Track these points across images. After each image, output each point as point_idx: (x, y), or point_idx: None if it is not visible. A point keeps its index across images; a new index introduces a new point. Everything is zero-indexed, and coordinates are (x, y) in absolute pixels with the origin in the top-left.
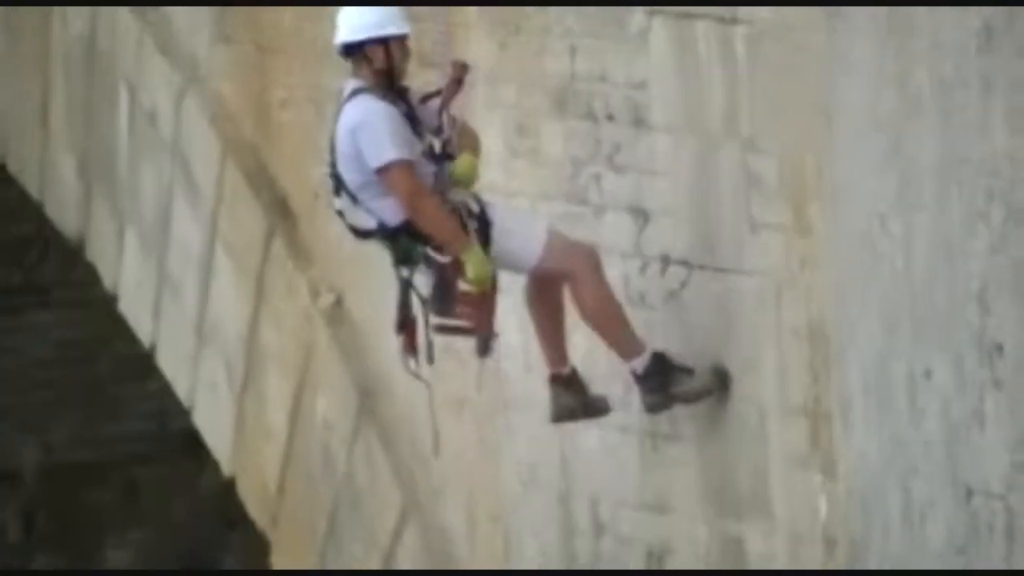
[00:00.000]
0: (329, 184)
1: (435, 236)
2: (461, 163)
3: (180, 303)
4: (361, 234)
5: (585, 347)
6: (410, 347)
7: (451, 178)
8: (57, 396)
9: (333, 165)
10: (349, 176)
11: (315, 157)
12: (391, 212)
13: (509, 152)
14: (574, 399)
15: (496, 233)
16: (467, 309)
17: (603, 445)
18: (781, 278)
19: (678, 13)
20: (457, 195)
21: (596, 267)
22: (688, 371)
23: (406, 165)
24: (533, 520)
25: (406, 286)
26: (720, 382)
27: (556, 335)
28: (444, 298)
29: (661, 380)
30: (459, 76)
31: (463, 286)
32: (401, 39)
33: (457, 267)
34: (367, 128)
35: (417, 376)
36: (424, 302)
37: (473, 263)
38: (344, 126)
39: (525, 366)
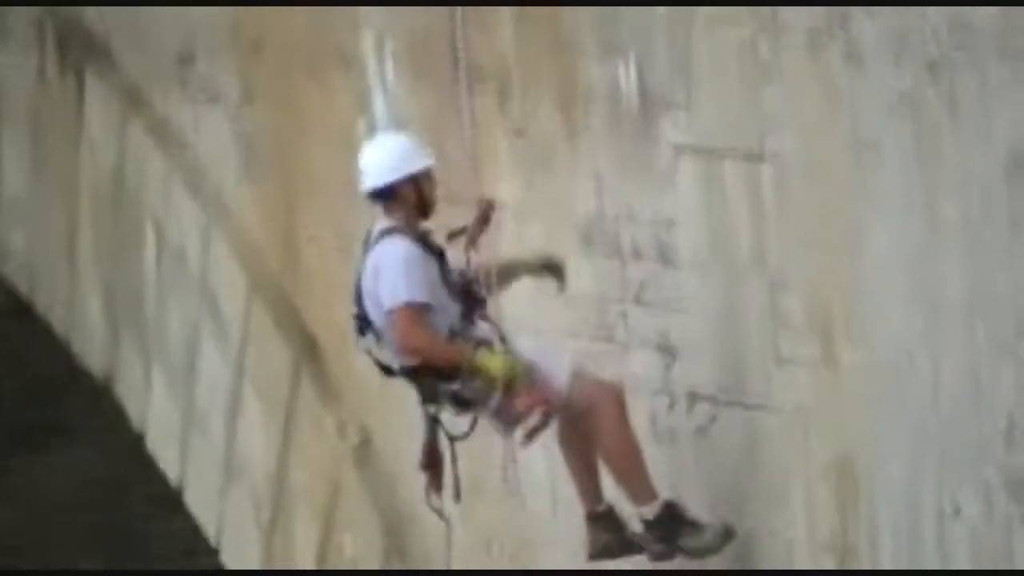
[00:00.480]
0: (353, 325)
1: (440, 366)
2: (492, 359)
3: (208, 441)
4: (388, 371)
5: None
6: (435, 485)
7: (480, 371)
8: (84, 536)
9: (359, 305)
10: (375, 315)
11: (342, 294)
12: None
13: (537, 289)
14: (612, 536)
15: None
16: (529, 401)
17: None
18: (808, 413)
19: (705, 150)
20: (480, 331)
21: (620, 406)
22: (698, 526)
23: (413, 308)
24: None
25: (433, 423)
26: (727, 541)
27: (589, 472)
28: (507, 419)
29: (670, 530)
30: (486, 214)
31: (519, 403)
32: (428, 170)
33: (507, 394)
34: (389, 268)
35: (440, 514)
36: (452, 439)
37: (487, 361)
38: (371, 265)
39: (552, 503)
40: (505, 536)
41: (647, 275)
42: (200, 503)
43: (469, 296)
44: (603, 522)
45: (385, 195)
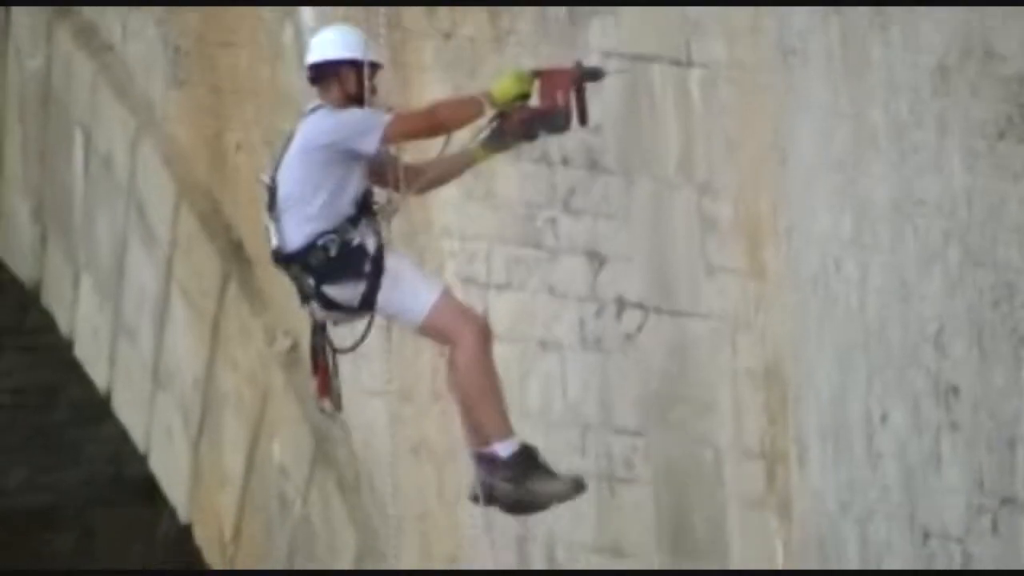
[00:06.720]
0: (266, 196)
1: (459, 122)
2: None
3: (136, 348)
4: (276, 256)
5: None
6: (323, 389)
7: (491, 99)
8: (12, 441)
9: (273, 176)
10: (288, 188)
11: None
12: (295, 234)
13: (465, 196)
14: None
15: (386, 281)
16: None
17: None
18: (737, 320)
19: (633, 56)
20: (357, 235)
21: (483, 340)
22: (551, 473)
23: (393, 119)
24: (490, 562)
25: (320, 331)
26: (577, 492)
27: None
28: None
29: (523, 471)
30: None
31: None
32: (375, 69)
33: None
34: (349, 118)
35: (332, 417)
36: (335, 350)
37: (498, 90)
38: (309, 136)
39: None
40: (434, 442)
41: (575, 181)
42: (128, 409)
43: (364, 204)
44: (489, 463)
45: (326, 74)
